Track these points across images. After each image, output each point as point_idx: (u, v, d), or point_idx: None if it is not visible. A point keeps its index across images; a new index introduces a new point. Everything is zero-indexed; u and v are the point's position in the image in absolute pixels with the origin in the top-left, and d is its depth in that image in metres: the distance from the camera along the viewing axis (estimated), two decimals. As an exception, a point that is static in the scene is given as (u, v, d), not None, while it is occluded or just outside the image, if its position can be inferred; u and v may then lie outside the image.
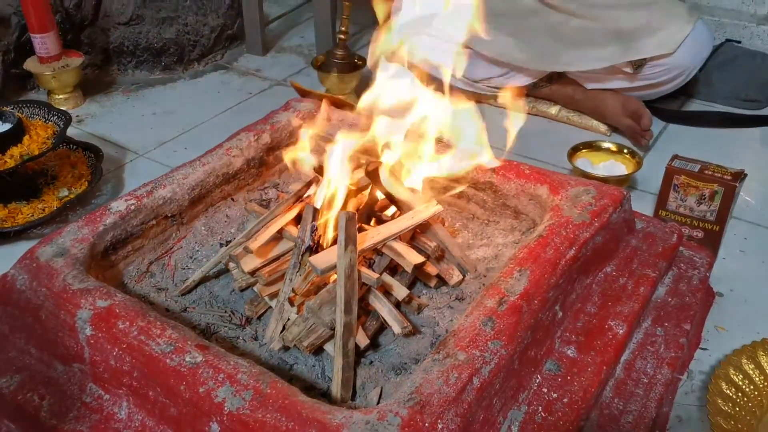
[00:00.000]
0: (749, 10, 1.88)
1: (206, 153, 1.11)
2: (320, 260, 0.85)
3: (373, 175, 0.90)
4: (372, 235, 0.89)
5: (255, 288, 0.95)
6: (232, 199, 1.13)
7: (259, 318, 0.93)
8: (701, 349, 1.05)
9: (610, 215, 0.96)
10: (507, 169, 1.05)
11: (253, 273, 0.93)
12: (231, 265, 0.97)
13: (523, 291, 0.83)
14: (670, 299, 1.02)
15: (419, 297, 0.95)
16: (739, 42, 1.81)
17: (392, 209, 0.99)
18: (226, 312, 0.94)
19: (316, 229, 0.89)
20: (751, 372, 0.95)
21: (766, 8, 1.87)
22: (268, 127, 1.17)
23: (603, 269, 0.98)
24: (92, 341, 0.80)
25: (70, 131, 1.51)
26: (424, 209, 0.93)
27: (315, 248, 0.91)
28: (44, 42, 1.63)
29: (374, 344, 0.89)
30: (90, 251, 0.93)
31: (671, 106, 1.66)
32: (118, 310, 0.81)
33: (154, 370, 0.76)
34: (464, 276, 0.98)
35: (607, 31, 1.51)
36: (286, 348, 0.88)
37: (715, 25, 1.82)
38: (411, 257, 0.89)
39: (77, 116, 1.68)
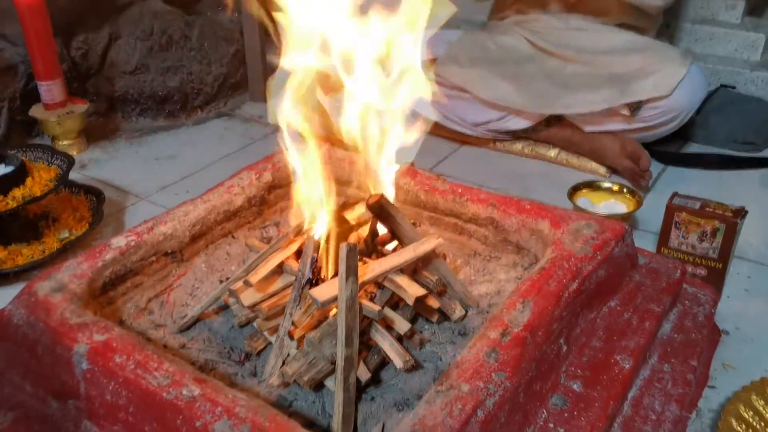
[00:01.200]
0: (742, 57, 1.92)
1: (207, 191, 1.11)
2: (321, 292, 0.84)
3: (374, 208, 0.90)
4: (373, 268, 0.88)
5: (255, 323, 0.94)
6: (233, 237, 1.12)
7: (258, 354, 0.92)
8: (709, 387, 1.03)
9: (613, 249, 0.96)
10: (507, 205, 1.05)
11: (252, 307, 0.92)
12: (230, 300, 0.96)
13: (527, 323, 0.82)
14: (675, 336, 1.01)
15: (421, 332, 0.93)
16: (734, 87, 1.84)
17: (393, 244, 0.98)
18: (224, 348, 0.93)
19: (317, 262, 0.89)
20: (761, 408, 0.93)
21: (759, 55, 1.91)
22: (270, 165, 1.18)
23: (607, 304, 0.97)
24: (88, 375, 0.79)
25: (74, 176, 1.53)
26: (425, 242, 0.93)
27: (315, 281, 0.90)
28: (50, 89, 1.65)
29: (376, 380, 0.87)
30: (88, 287, 0.92)
31: (669, 148, 1.67)
32: (115, 344, 0.80)
33: (150, 403, 0.74)
34: (467, 311, 0.96)
35: (603, 75, 1.54)
36: (285, 384, 0.86)
37: (710, 71, 1.86)
38: (413, 290, 0.88)
39: (80, 162, 1.69)
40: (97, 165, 1.70)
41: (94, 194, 1.46)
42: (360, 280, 0.85)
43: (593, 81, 1.54)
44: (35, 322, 0.85)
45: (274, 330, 0.91)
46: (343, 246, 0.81)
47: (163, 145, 1.80)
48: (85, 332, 0.82)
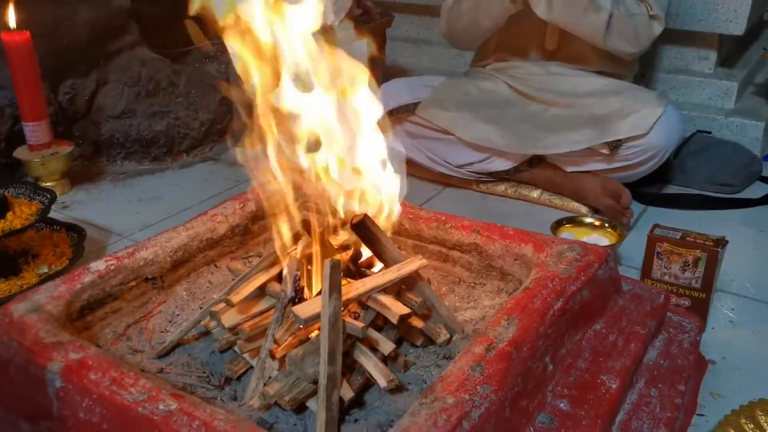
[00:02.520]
0: (717, 105, 1.98)
1: (191, 219, 1.11)
2: (303, 310, 0.83)
3: (358, 228, 0.90)
4: (357, 287, 0.88)
5: (235, 347, 0.92)
6: (215, 266, 1.11)
7: (239, 378, 0.90)
8: (698, 415, 1.02)
9: (596, 270, 0.96)
10: (491, 231, 1.06)
11: (234, 329, 0.90)
12: (211, 324, 0.94)
13: (512, 338, 0.81)
14: (662, 362, 1.00)
15: (406, 356, 0.92)
16: (710, 132, 1.89)
17: (377, 267, 0.98)
18: (204, 373, 0.91)
19: (299, 280, 0.88)
20: (750, 431, 0.91)
21: (733, 102, 1.96)
22: (254, 196, 1.18)
23: (592, 326, 0.96)
24: (61, 394, 0.76)
25: (56, 216, 1.51)
26: (409, 263, 0.92)
27: (298, 301, 0.89)
28: (35, 130, 1.66)
29: (360, 402, 0.85)
30: (66, 309, 0.90)
31: (650, 190, 1.70)
32: (90, 362, 0.78)
33: (126, 419, 0.72)
34: (452, 336, 0.95)
35: (583, 117, 1.57)
36: (266, 406, 0.83)
37: (686, 118, 1.90)
38: (397, 308, 0.87)
39: (63, 203, 1.68)
40: (79, 206, 1.69)
41: (75, 231, 1.44)
42: (343, 298, 0.84)
43: (574, 122, 1.57)
44: (9, 342, 0.83)
45: (256, 353, 0.89)
46: (327, 262, 0.81)
47: (148, 187, 1.80)
48: (60, 351, 0.80)
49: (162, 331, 0.98)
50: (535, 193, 1.66)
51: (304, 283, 0.89)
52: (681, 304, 1.20)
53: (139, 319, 1.00)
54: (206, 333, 0.97)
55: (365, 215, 0.90)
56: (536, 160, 1.64)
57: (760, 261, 1.45)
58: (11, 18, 1.60)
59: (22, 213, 1.31)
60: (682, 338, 1.06)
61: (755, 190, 1.74)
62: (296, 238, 0.96)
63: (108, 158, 1.90)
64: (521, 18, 1.64)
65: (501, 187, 1.70)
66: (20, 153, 1.69)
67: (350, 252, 0.97)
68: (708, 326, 1.22)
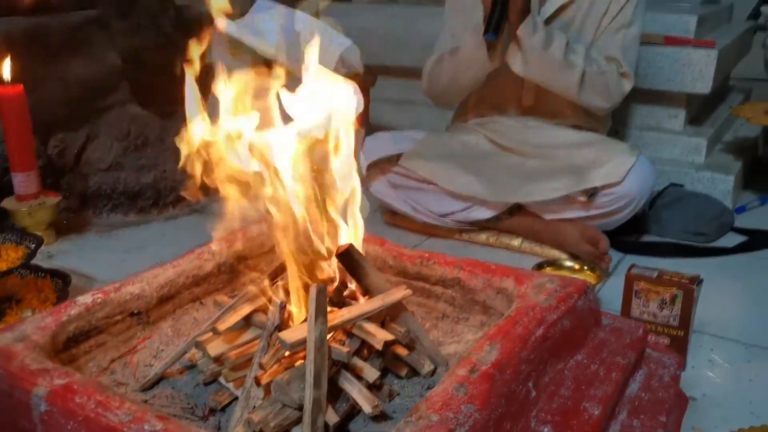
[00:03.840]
0: (688, 160, 2.05)
1: (178, 257, 1.13)
2: (289, 335, 0.84)
3: (343, 258, 0.92)
4: (342, 314, 0.89)
5: (220, 378, 0.92)
6: (201, 303, 1.12)
7: (223, 409, 0.90)
8: (681, 448, 1.02)
9: (576, 301, 0.99)
10: (473, 266, 1.08)
11: (219, 359, 0.91)
12: (197, 355, 0.95)
13: (495, 361, 0.82)
14: (643, 395, 1.01)
15: (390, 387, 0.93)
16: (682, 186, 1.95)
17: (362, 300, 0.99)
18: (188, 404, 0.90)
19: (286, 307, 0.89)
20: (733, 459, 0.92)
21: (703, 158, 2.04)
22: (241, 236, 1.20)
23: (574, 356, 0.98)
24: (46, 417, 0.76)
25: (41, 265, 1.51)
26: (394, 292, 0.94)
27: (283, 329, 0.90)
28: (24, 180, 1.68)
29: (344, 430, 0.85)
30: (51, 339, 0.90)
31: (628, 239, 1.75)
32: (76, 387, 0.78)
33: (110, 440, 0.72)
34: (436, 368, 0.96)
35: (560, 166, 1.63)
36: (251, 434, 0.83)
37: (659, 172, 1.96)
38: (381, 335, 0.89)
39: (48, 252, 1.69)
40: (64, 255, 1.69)
41: (60, 278, 1.44)
42: (329, 325, 0.85)
43: (551, 172, 1.63)
44: (-7, 369, 0.83)
45: (241, 382, 0.89)
46: (313, 288, 0.83)
47: (133, 237, 1.82)
48: (46, 377, 0.80)
49: (146, 366, 0.98)
50: (517, 242, 1.70)
51: (289, 311, 0.90)
52: (661, 343, 1.23)
53: (123, 354, 1.00)
54: (191, 367, 0.97)
55: (350, 245, 0.92)
56: (516, 209, 1.69)
57: (736, 304, 1.49)
58: (6, 72, 1.64)
59: (8, 257, 1.32)
60: (662, 373, 1.08)
61: (729, 240, 1.79)
62: (281, 269, 0.97)
63: (94, 210, 1.92)
64: (499, 75, 1.72)
65: (483, 236, 1.74)
66: (7, 203, 1.70)
67: (335, 284, 0.99)
68: (688, 365, 1.24)
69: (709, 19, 2.21)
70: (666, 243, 1.75)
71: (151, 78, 2.42)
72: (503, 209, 1.69)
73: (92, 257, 1.69)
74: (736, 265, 1.67)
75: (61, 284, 1.43)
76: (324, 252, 0.91)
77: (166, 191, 1.97)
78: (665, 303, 1.21)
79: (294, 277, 0.94)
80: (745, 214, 1.97)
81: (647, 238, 1.81)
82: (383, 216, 1.87)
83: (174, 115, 2.20)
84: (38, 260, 1.49)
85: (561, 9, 1.70)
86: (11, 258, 1.32)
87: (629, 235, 1.77)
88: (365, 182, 1.80)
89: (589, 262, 1.50)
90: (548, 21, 1.68)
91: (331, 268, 1.00)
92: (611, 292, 1.45)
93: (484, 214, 1.70)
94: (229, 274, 1.17)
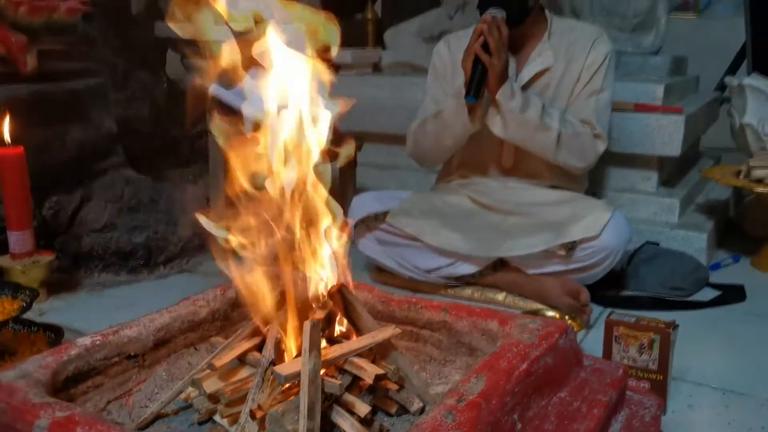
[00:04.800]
0: (662, 219, 2.14)
1: (174, 304, 1.16)
2: (284, 368, 0.88)
3: (335, 296, 0.97)
4: (335, 350, 0.93)
5: (215, 417, 0.95)
6: (195, 348, 1.15)
7: (218, 446, 0.92)
8: (665, 485, 1.05)
9: (557, 339, 1.03)
10: (459, 309, 1.13)
11: (215, 396, 0.93)
12: (193, 394, 0.97)
13: (481, 391, 0.86)
14: (625, 433, 1.05)
15: (381, 422, 0.95)
16: (658, 243, 2.03)
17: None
18: (183, 442, 0.93)
19: (281, 342, 0.93)
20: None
21: (677, 217, 2.13)
22: (234, 284, 1.24)
23: (557, 394, 1.02)
24: (47, 448, 0.78)
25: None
26: (383, 330, 0.98)
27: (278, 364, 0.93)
28: (19, 239, 1.72)
29: (337, 463, 0.88)
30: (52, 378, 0.93)
31: (608, 293, 1.81)
32: (78, 418, 0.81)
33: (111, 467, 0.74)
34: (425, 406, 0.99)
35: (539, 223, 1.71)
36: (245, 469, 0.85)
37: (635, 230, 2.04)
38: (372, 369, 0.92)
39: (40, 310, 1.71)
40: (56, 312, 1.72)
41: (53, 331, 1.47)
42: (322, 359, 0.89)
43: (531, 228, 1.70)
44: (-4, 404, 0.85)
45: (236, 418, 0.92)
46: (307, 323, 0.87)
47: (124, 296, 1.84)
48: (47, 410, 0.83)
49: (142, 407, 1.01)
50: (501, 296, 1.75)
51: (284, 347, 0.94)
52: (641, 386, 1.26)
53: (119, 396, 1.02)
54: (186, 407, 1.00)
55: (342, 285, 0.97)
56: (500, 265, 1.75)
57: (712, 353, 1.54)
58: (7, 134, 1.71)
59: (4, 309, 1.35)
60: (643, 413, 1.11)
61: (704, 294, 1.86)
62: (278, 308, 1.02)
63: (86, 270, 1.95)
64: (481, 137, 1.81)
65: (468, 291, 1.79)
66: (2, 261, 1.73)
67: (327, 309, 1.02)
68: (669, 410, 1.28)
69: (677, 88, 2.35)
70: (645, 296, 1.82)
71: (145, 144, 2.51)
72: (487, 264, 1.74)
73: (83, 314, 1.71)
74: (712, 318, 1.73)
75: (54, 338, 1.45)
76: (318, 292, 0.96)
77: (157, 251, 2.01)
78: (644, 347, 1.26)
79: (289, 316, 0.98)
80: (719, 271, 2.04)
81: (627, 293, 1.87)
82: (371, 273, 1.92)
83: (167, 179, 2.27)
84: (29, 318, 1.52)
85: (537, 76, 1.81)
86: (7, 310, 1.35)
87: (609, 289, 1.83)
88: (353, 239, 1.86)
89: (570, 312, 1.55)
90: (525, 87, 1.79)
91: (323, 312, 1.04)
92: (593, 344, 1.50)
93: (468, 269, 1.75)
94: (223, 320, 1.20)
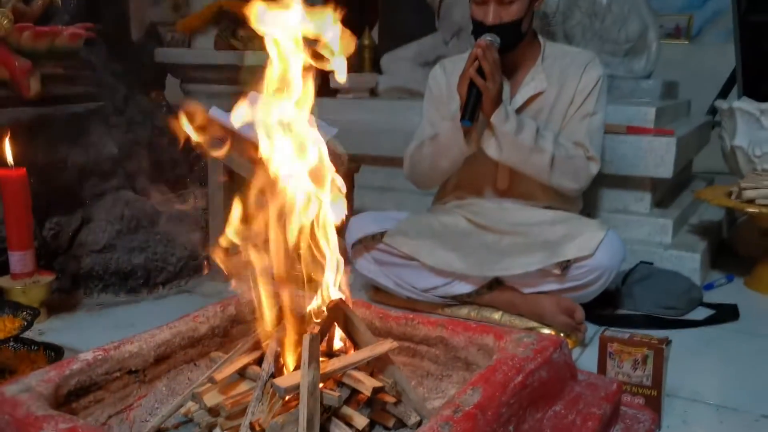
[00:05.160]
0: (656, 240, 2.17)
1: (174, 320, 1.18)
2: (284, 381, 0.90)
3: (334, 311, 0.99)
4: (333, 363, 0.95)
5: (215, 431, 0.96)
6: (195, 364, 1.17)
7: (217, 459, 0.93)
8: (660, 499, 1.06)
9: (552, 353, 1.05)
10: (455, 325, 1.15)
11: (215, 410, 0.95)
12: (193, 408, 0.99)
13: (477, 403, 0.88)
14: (620, 447, 1.06)
15: (378, 436, 0.97)
16: (652, 263, 2.05)
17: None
18: (184, 456, 0.94)
19: (280, 355, 0.95)
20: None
21: (670, 238, 2.16)
22: (234, 301, 1.26)
23: (552, 407, 1.03)
24: (50, 458, 0.80)
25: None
26: (380, 344, 1.00)
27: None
28: (20, 259, 1.74)
29: (335, 474, 0.89)
30: (54, 391, 0.95)
31: (603, 312, 1.83)
32: (81, 430, 0.82)
33: (114, 476, 0.75)
34: (422, 420, 1.01)
35: (535, 242, 1.73)
36: (245, 480, 0.87)
37: (629, 251, 2.07)
38: (370, 382, 0.94)
39: (39, 330, 1.72)
40: (55, 332, 1.72)
41: (53, 350, 1.48)
42: (321, 372, 0.91)
43: (527, 248, 1.72)
44: (1, 417, 0.86)
45: (235, 431, 0.93)
46: (306, 336, 0.89)
47: (123, 315, 1.85)
48: (51, 422, 0.84)
49: (143, 421, 1.02)
50: (497, 315, 1.77)
51: (284, 360, 0.96)
52: (636, 402, 1.28)
53: (120, 410, 1.03)
54: (186, 422, 1.01)
55: (340, 299, 0.99)
56: (496, 284, 1.77)
57: (706, 370, 1.55)
58: (10, 156, 1.74)
59: (5, 327, 1.36)
60: (637, 428, 1.13)
61: (698, 313, 1.88)
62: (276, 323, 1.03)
63: (85, 291, 1.96)
64: (476, 160, 1.84)
65: (464, 311, 1.80)
66: (2, 281, 1.75)
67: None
68: (663, 426, 1.29)
69: (668, 111, 2.40)
70: (639, 315, 1.83)
71: (144, 167, 2.54)
72: (483, 284, 1.76)
73: (82, 334, 1.72)
74: (706, 336, 1.74)
75: (54, 356, 1.46)
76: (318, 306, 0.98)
77: (156, 272, 2.02)
78: (638, 363, 1.28)
79: (288, 331, 0.99)
80: (713, 291, 2.06)
81: (621, 312, 1.89)
82: (368, 293, 1.94)
83: (166, 201, 2.30)
84: (30, 337, 1.53)
85: (531, 99, 1.85)
86: (8, 329, 1.36)
87: (604, 309, 1.85)
88: (350, 259, 1.88)
89: (565, 331, 1.56)
90: (519, 110, 1.83)
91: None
92: (588, 362, 1.50)
93: (464, 288, 1.77)
94: (222, 337, 1.22)
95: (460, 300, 1.80)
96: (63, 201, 1.99)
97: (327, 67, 1.06)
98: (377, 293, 1.90)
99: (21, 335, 1.39)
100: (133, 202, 2.13)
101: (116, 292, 1.98)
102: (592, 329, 1.72)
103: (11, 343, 1.46)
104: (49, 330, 1.74)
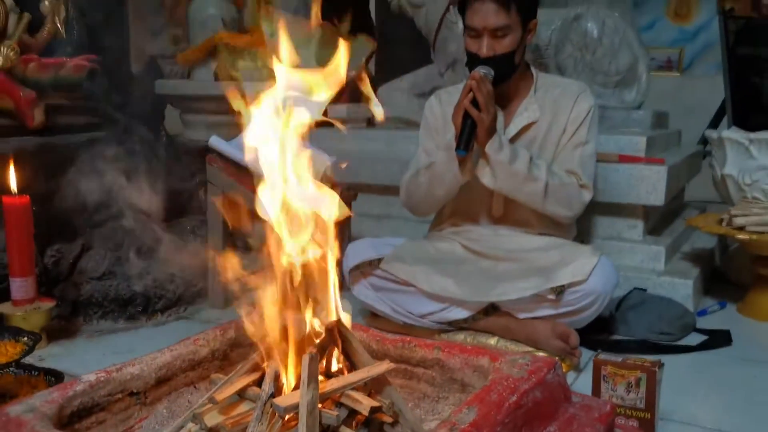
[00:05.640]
0: (649, 267, 2.20)
1: (175, 343, 1.20)
2: (283, 400, 0.92)
3: (332, 332, 1.01)
4: (332, 383, 0.97)
5: (215, 451, 0.98)
6: (195, 387, 1.18)
7: (218, 479, 0.94)
8: None
9: (546, 374, 1.07)
10: (451, 347, 1.17)
11: (215, 429, 0.97)
12: (193, 428, 1.00)
13: (473, 421, 0.90)
14: (615, 467, 1.08)
15: (376, 456, 0.99)
16: (645, 290, 2.08)
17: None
18: (184, 476, 0.95)
19: (280, 377, 0.97)
20: None
21: (663, 264, 2.19)
22: (234, 325, 1.28)
23: (546, 428, 1.05)
24: (54, 476, 0.81)
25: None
26: (378, 365, 1.02)
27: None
28: (22, 286, 1.76)
29: (333, 493, 0.90)
30: (58, 412, 0.96)
31: (598, 338, 1.85)
32: (84, 448, 0.84)
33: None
34: (418, 440, 1.03)
35: (530, 268, 1.76)
36: (245, 498, 0.88)
37: (622, 278, 2.10)
38: (367, 402, 0.96)
39: (39, 356, 1.73)
40: (55, 358, 1.74)
41: (53, 375, 1.49)
42: (320, 392, 0.93)
43: (522, 273, 1.75)
44: (5, 436, 0.88)
45: (235, 452, 0.95)
46: (305, 356, 0.92)
47: (122, 341, 1.87)
48: (55, 441, 0.86)
49: (144, 442, 1.04)
50: (493, 341, 1.79)
51: (283, 381, 0.98)
52: (630, 425, 1.30)
53: (121, 432, 1.05)
54: (187, 442, 1.03)
55: (338, 320, 1.02)
56: (492, 310, 1.79)
57: (699, 394, 1.57)
58: (14, 183, 1.77)
59: (7, 352, 1.38)
60: (632, 449, 1.15)
61: (691, 339, 1.90)
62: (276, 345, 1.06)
63: (85, 318, 1.98)
64: (471, 188, 1.88)
65: (460, 336, 1.82)
66: (3, 307, 1.77)
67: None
68: (657, 448, 1.31)
69: (659, 140, 2.45)
70: (634, 341, 1.86)
71: (144, 196, 2.57)
72: (479, 309, 1.79)
73: (82, 360, 1.73)
74: (699, 361, 1.76)
75: (54, 382, 1.47)
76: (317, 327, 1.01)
77: (155, 299, 2.04)
78: (631, 386, 1.30)
79: (288, 352, 1.02)
80: (706, 317, 2.09)
81: (615, 337, 1.91)
82: (366, 319, 1.96)
83: (165, 229, 2.33)
84: (30, 362, 1.54)
85: (524, 129, 1.89)
86: (10, 353, 1.38)
87: (599, 334, 1.87)
88: (348, 285, 1.90)
89: (560, 355, 1.58)
90: (513, 140, 1.87)
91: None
92: (583, 387, 1.52)
93: (460, 314, 1.79)
94: (222, 360, 1.24)
95: (457, 326, 1.82)
96: (64, 228, 2.01)
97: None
98: (374, 319, 1.92)
99: (22, 360, 1.41)
100: (133, 229, 2.16)
101: (115, 318, 1.99)
102: (586, 354, 1.74)
103: (12, 369, 1.48)
104: (49, 356, 1.76)
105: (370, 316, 1.94)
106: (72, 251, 2.02)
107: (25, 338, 1.45)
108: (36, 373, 1.51)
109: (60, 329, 1.92)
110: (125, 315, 2.00)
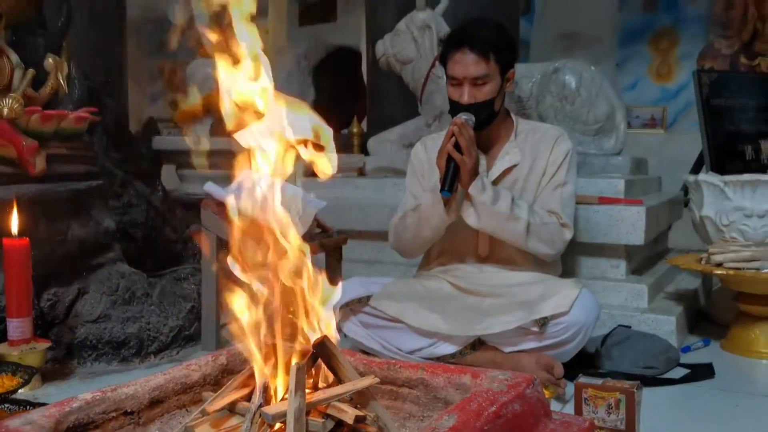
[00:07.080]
0: (632, 305, 2.25)
1: (169, 368, 1.24)
2: (271, 409, 0.96)
3: (319, 347, 1.06)
4: (319, 394, 1.01)
5: (206, 463, 1.01)
6: (187, 410, 1.22)
7: (208, 490, 0.98)
8: None
9: (524, 388, 1.12)
10: (435, 367, 1.22)
11: (207, 442, 1.00)
12: (185, 443, 1.04)
13: (452, 427, 0.94)
14: (595, 481, 1.11)
15: (361, 468, 1.02)
16: (629, 327, 2.13)
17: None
18: (176, 487, 0.98)
19: (268, 388, 1.01)
20: None
21: (646, 302, 2.25)
22: (226, 352, 1.32)
23: (526, 441, 1.09)
24: (51, 479, 0.85)
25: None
26: (363, 379, 1.07)
27: (267, 409, 1.01)
28: (18, 326, 1.79)
29: (320, 500, 0.94)
30: (55, 426, 1.00)
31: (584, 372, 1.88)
32: (80, 454, 0.88)
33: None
34: (403, 454, 1.06)
35: (514, 302, 1.82)
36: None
37: (607, 315, 2.16)
38: (353, 411, 1.00)
39: (33, 396, 1.75)
40: (49, 398, 1.75)
41: (47, 410, 1.52)
42: (307, 401, 0.97)
43: (506, 307, 1.81)
44: (4, 445, 0.92)
45: (226, 463, 0.98)
46: (293, 366, 0.97)
47: (115, 383, 1.88)
48: (52, 448, 0.90)
49: (136, 460, 1.07)
50: (480, 375, 1.82)
51: (271, 394, 1.02)
52: (612, 447, 1.33)
53: (115, 451, 1.08)
54: (178, 459, 1.06)
55: (325, 336, 1.07)
56: (478, 344, 1.83)
57: (682, 423, 1.60)
58: (14, 226, 1.83)
59: (4, 384, 1.41)
60: (612, 466, 1.18)
61: (676, 373, 1.94)
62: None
63: (79, 360, 2.01)
64: (457, 228, 1.95)
65: (448, 372, 1.86)
66: (0, 347, 1.80)
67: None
68: (640, 470, 1.34)
69: (637, 184, 2.55)
70: (618, 373, 1.89)
71: (140, 246, 2.64)
72: (466, 344, 1.83)
73: (75, 399, 1.76)
74: (683, 393, 1.80)
75: (48, 415, 1.50)
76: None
77: (148, 341, 2.08)
78: (611, 407, 1.34)
79: (277, 367, 1.06)
80: (690, 354, 2.13)
81: (600, 372, 1.94)
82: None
83: (160, 275, 2.38)
84: (25, 398, 1.58)
85: (506, 172, 1.98)
86: (7, 386, 1.41)
87: (585, 370, 1.91)
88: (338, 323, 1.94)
89: (545, 385, 1.62)
90: (495, 182, 1.96)
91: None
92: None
93: (448, 349, 1.84)
94: (213, 385, 1.27)
95: (444, 361, 1.86)
96: (61, 272, 2.07)
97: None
98: (364, 356, 1.96)
99: (18, 392, 1.44)
100: (129, 274, 2.21)
101: (109, 361, 2.02)
102: (570, 388, 1.77)
103: (6, 405, 1.51)
104: (43, 396, 1.78)
105: (360, 354, 1.97)
106: (68, 295, 2.07)
107: (21, 372, 1.49)
108: (30, 408, 1.54)
109: (54, 371, 1.94)
110: (119, 357, 2.03)
